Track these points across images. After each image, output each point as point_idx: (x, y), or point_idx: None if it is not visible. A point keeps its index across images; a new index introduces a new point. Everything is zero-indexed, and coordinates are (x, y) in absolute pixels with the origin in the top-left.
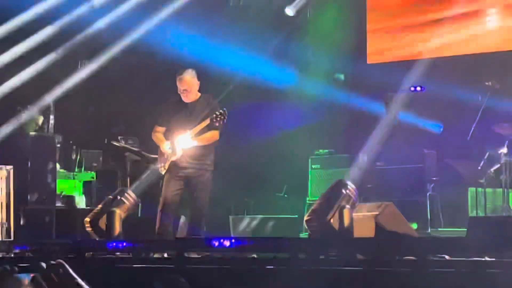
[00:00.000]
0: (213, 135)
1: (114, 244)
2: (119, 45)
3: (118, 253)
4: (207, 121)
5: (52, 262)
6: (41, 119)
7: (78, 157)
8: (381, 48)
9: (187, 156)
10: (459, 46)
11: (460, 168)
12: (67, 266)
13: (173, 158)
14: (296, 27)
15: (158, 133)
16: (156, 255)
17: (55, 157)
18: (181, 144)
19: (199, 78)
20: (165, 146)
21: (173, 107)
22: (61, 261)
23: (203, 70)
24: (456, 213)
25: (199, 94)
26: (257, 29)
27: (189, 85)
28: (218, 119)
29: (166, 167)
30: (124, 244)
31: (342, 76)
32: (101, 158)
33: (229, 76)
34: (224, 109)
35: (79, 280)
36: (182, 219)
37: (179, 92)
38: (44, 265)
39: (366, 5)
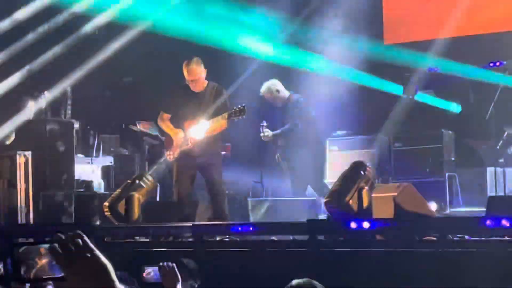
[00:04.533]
0: (222, 124)
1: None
2: (136, 28)
3: (137, 237)
4: (225, 116)
5: (71, 233)
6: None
7: (96, 142)
8: (398, 28)
9: (198, 146)
10: (477, 25)
11: (479, 148)
12: (85, 237)
13: (185, 148)
14: (312, 9)
15: (167, 121)
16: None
17: (73, 142)
18: (194, 134)
19: (205, 66)
20: (178, 135)
21: (181, 95)
22: (79, 232)
23: (219, 56)
24: (475, 193)
25: (206, 82)
26: (273, 12)
27: (196, 75)
28: (237, 114)
29: (176, 156)
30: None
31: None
32: (119, 143)
33: (245, 61)
34: (244, 105)
35: (97, 252)
36: (201, 204)
37: (186, 82)
38: (63, 236)
39: None
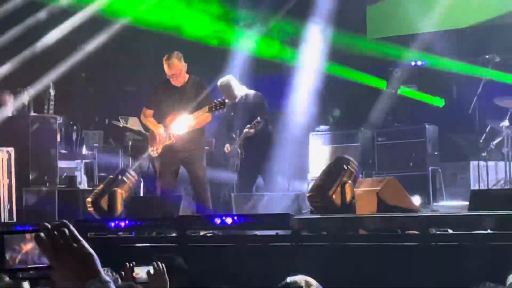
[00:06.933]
0: (206, 117)
1: (116, 223)
2: (118, 23)
3: (120, 233)
4: (205, 109)
5: (56, 222)
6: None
7: (79, 137)
8: (381, 22)
9: (181, 140)
10: (460, 18)
11: (462, 142)
12: (71, 227)
13: (168, 143)
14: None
15: (150, 117)
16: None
17: (56, 137)
18: (176, 129)
19: (185, 60)
20: (160, 131)
21: (163, 90)
22: (65, 221)
23: (203, 50)
24: (458, 186)
25: (187, 75)
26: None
27: (177, 69)
28: (217, 107)
29: (159, 151)
30: (126, 222)
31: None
32: (102, 138)
33: (226, 55)
34: (223, 98)
35: (83, 242)
36: (185, 199)
37: (167, 77)
38: (48, 226)
39: None
